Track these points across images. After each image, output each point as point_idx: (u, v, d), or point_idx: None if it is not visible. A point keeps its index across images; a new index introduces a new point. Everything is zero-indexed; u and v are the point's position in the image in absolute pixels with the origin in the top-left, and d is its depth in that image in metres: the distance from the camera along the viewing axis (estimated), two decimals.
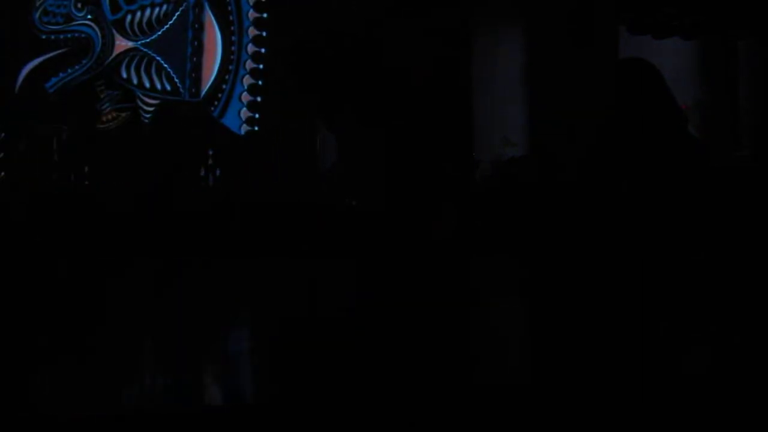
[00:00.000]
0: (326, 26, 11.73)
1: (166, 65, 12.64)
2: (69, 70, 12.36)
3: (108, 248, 9.06)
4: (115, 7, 12.60)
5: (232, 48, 12.85)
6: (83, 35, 12.49)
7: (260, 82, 12.77)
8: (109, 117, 12.36)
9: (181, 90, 12.68)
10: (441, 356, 3.90)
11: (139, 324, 5.33)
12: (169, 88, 12.66)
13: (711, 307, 3.17)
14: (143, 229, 9.69)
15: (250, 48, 12.84)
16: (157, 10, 12.69)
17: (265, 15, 12.86)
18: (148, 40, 12.65)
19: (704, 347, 3.23)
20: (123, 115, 12.45)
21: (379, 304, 5.91)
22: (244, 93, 12.78)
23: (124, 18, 12.62)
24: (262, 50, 12.80)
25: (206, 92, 12.74)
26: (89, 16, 12.53)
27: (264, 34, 12.82)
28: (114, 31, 12.57)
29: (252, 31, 12.86)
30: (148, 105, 12.54)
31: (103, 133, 12.38)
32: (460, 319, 5.34)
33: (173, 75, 12.66)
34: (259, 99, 12.74)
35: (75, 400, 3.23)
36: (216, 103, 12.75)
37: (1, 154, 11.81)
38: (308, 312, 5.67)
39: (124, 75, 12.53)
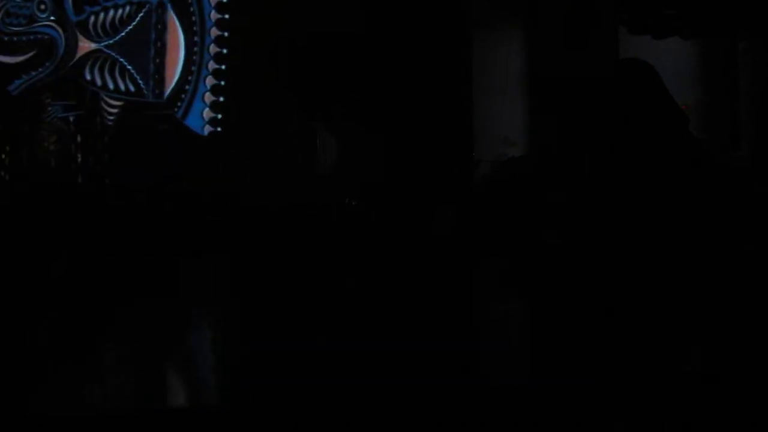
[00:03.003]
0: (304, 26, 11.75)
1: (129, 67, 12.65)
2: (32, 73, 12.32)
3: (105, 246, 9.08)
4: (78, 9, 12.58)
5: (195, 49, 12.90)
6: (46, 37, 12.44)
7: (223, 83, 12.82)
8: (49, 130, 12.28)
9: (144, 91, 12.68)
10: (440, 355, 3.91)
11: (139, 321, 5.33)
12: (133, 89, 12.66)
13: (711, 307, 3.17)
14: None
15: (213, 49, 12.90)
16: (120, 11, 12.68)
17: (227, 16, 12.89)
18: (111, 42, 12.63)
19: (704, 347, 3.24)
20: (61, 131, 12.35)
21: (378, 300, 5.91)
22: (207, 93, 12.84)
23: (87, 19, 12.60)
24: (224, 51, 12.85)
25: (169, 93, 12.76)
26: (52, 18, 12.49)
27: (226, 34, 12.86)
28: (77, 33, 12.54)
29: (214, 32, 12.92)
30: (111, 107, 12.52)
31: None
32: (460, 318, 5.35)
33: (137, 76, 12.66)
34: (221, 99, 12.79)
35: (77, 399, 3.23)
36: (179, 103, 12.77)
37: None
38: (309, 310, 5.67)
39: (88, 77, 12.51)
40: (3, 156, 11.80)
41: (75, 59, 12.49)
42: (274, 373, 3.66)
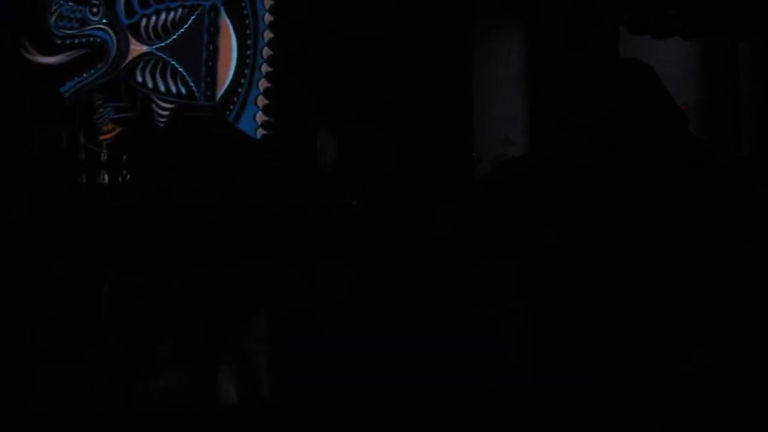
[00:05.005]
0: (338, 29, 11.72)
1: (181, 69, 12.63)
2: (84, 75, 12.35)
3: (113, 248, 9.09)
4: (130, 11, 12.57)
5: (248, 52, 12.84)
6: (98, 40, 12.48)
7: (276, 86, 12.76)
8: (107, 128, 12.33)
9: (196, 94, 12.67)
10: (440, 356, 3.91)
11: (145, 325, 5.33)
12: (184, 92, 12.64)
13: (711, 307, 3.17)
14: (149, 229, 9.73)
15: (266, 52, 12.85)
16: (172, 14, 12.66)
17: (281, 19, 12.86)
18: (163, 44, 12.62)
19: (704, 347, 3.23)
20: (120, 128, 12.40)
21: (379, 300, 5.91)
22: (260, 96, 12.79)
23: (139, 22, 12.59)
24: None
25: (221, 96, 12.74)
26: (104, 21, 12.51)
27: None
28: (129, 36, 12.56)
29: (267, 35, 12.86)
30: (162, 109, 12.53)
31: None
32: (461, 318, 5.35)
33: (188, 79, 12.65)
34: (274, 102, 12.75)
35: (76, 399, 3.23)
36: (231, 107, 12.76)
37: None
38: (310, 311, 5.68)
39: (139, 79, 12.51)
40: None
41: (126, 62, 12.52)
42: (273, 372, 3.66)
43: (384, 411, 2.94)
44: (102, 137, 12.30)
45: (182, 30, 12.65)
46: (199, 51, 12.71)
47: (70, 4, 12.37)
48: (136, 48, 12.56)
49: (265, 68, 12.80)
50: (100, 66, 12.39)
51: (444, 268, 8.41)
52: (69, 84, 12.25)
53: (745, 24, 8.36)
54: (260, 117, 12.71)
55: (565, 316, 3.33)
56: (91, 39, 12.47)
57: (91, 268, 8.48)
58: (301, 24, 12.13)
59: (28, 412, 2.94)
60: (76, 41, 12.41)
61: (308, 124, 12.35)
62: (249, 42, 12.85)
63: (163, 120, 12.46)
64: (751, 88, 8.93)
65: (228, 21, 12.79)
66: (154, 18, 12.63)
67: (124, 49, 12.50)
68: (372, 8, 11.82)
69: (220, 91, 12.73)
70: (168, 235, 9.74)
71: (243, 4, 12.82)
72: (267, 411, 3.06)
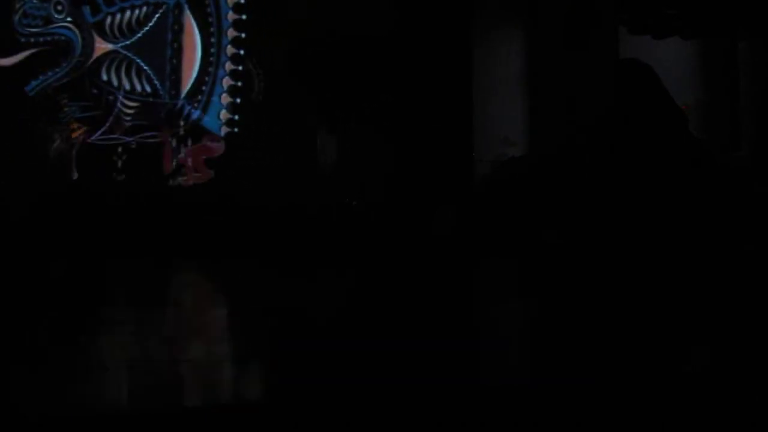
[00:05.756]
0: (337, 28, 11.75)
1: (146, 67, 12.66)
2: (49, 73, 12.31)
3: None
4: (95, 10, 12.58)
5: (211, 50, 12.90)
6: (63, 38, 12.46)
7: (239, 84, 12.81)
8: (72, 127, 12.31)
9: (161, 92, 12.69)
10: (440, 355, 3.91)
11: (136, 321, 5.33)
12: (149, 90, 12.66)
13: (711, 307, 3.17)
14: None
15: (229, 50, 12.89)
16: (137, 12, 12.70)
17: (243, 17, 12.91)
18: (128, 43, 12.64)
19: (704, 347, 3.23)
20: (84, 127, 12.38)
21: (379, 300, 5.91)
22: (224, 94, 12.84)
23: (104, 20, 12.61)
24: (241, 52, 12.86)
25: (186, 94, 12.77)
26: (69, 19, 12.49)
27: (243, 35, 12.88)
28: (94, 34, 12.56)
29: (231, 33, 12.93)
30: (128, 107, 12.53)
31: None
32: (461, 318, 5.35)
33: (153, 77, 12.67)
34: (238, 101, 12.80)
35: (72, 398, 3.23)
36: (196, 104, 12.78)
37: None
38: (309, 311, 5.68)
39: (104, 77, 12.51)
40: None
41: (91, 60, 12.51)
42: (272, 372, 3.65)
43: (384, 411, 2.93)
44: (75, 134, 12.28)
45: (147, 28, 12.69)
46: (163, 49, 12.76)
47: (35, 1, 12.35)
48: (102, 46, 12.58)
49: (228, 66, 12.87)
50: (65, 64, 12.37)
51: (444, 268, 8.41)
52: (33, 83, 12.21)
53: (745, 24, 8.36)
54: (224, 114, 12.78)
55: (564, 316, 3.33)
56: (56, 37, 12.44)
57: (89, 266, 8.48)
58: (300, 23, 12.15)
59: (28, 412, 2.94)
60: (41, 39, 12.37)
61: (308, 123, 12.37)
62: (213, 40, 12.92)
63: (128, 118, 12.47)
64: (750, 88, 8.92)
65: (192, 19, 12.85)
66: (119, 16, 12.66)
67: (89, 47, 12.50)
68: (371, 8, 11.83)
69: (185, 89, 12.78)
70: (166, 235, 9.74)
71: (206, 2, 12.87)
72: (266, 411, 3.06)
